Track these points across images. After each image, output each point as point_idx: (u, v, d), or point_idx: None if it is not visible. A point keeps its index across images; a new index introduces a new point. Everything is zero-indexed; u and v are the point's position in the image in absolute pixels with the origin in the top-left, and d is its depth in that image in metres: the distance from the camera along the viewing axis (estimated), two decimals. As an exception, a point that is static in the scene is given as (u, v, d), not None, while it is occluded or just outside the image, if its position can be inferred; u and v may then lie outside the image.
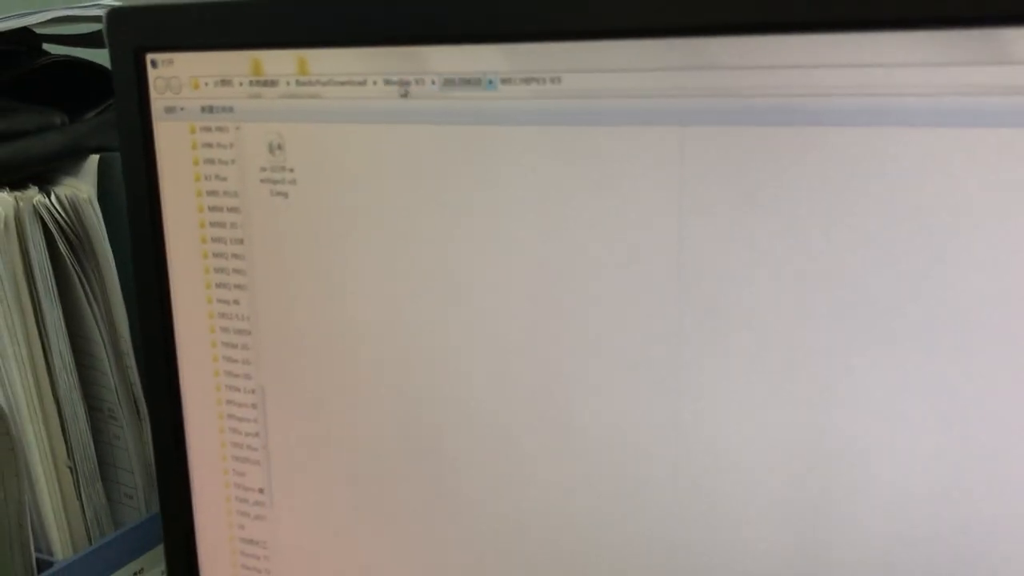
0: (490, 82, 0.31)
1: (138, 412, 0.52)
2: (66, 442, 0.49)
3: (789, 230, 0.28)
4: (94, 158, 0.50)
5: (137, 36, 0.36)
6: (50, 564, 0.48)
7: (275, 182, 0.35)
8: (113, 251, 0.50)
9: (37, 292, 0.47)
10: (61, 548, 0.50)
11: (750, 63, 0.28)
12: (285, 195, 0.35)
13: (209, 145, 0.36)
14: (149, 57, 0.36)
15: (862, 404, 0.28)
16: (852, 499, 0.29)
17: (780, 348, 0.29)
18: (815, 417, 0.29)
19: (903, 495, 0.29)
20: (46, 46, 0.54)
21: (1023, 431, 0.27)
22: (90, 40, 0.55)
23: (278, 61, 0.34)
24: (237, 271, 0.37)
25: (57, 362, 0.49)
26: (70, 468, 0.50)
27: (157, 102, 0.37)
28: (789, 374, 0.29)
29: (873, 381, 0.28)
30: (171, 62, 0.36)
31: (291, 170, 0.35)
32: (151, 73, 0.37)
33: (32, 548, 0.48)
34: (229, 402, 0.38)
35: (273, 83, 0.34)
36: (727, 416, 0.30)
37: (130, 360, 0.51)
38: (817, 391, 0.29)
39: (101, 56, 0.39)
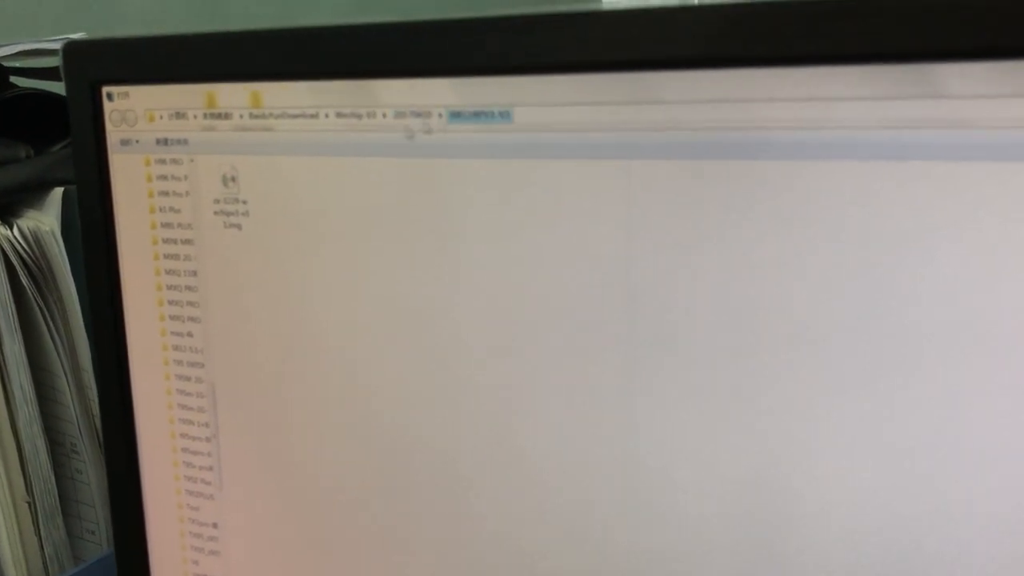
0: (440, 115, 0.31)
1: (101, 446, 0.51)
2: (24, 477, 0.49)
3: (736, 262, 0.28)
4: (58, 191, 0.50)
5: (93, 69, 0.36)
6: (6, 601, 0.47)
7: (229, 214, 0.35)
8: (76, 284, 0.49)
9: (-3, 325, 0.47)
10: (18, 585, 0.49)
11: (695, 97, 0.28)
12: (239, 227, 0.35)
13: (164, 177, 0.36)
14: (105, 90, 0.36)
15: (810, 435, 0.28)
16: (800, 529, 0.29)
17: (728, 378, 0.29)
18: (763, 448, 0.29)
19: (850, 527, 0.28)
20: (13, 79, 0.54)
21: (969, 464, 0.27)
22: (57, 73, 0.55)
23: (232, 94, 0.34)
24: (191, 303, 0.37)
25: (17, 395, 0.48)
26: (28, 504, 0.49)
27: (113, 135, 0.37)
28: (737, 405, 0.29)
29: (821, 412, 0.28)
30: (127, 95, 0.36)
31: (244, 202, 0.35)
32: (107, 106, 0.37)
33: (-13, 585, 0.47)
34: (183, 435, 0.38)
35: (227, 116, 0.34)
36: (676, 446, 0.30)
37: (93, 393, 0.51)
38: (765, 422, 0.29)
39: (66, 89, 0.39)
